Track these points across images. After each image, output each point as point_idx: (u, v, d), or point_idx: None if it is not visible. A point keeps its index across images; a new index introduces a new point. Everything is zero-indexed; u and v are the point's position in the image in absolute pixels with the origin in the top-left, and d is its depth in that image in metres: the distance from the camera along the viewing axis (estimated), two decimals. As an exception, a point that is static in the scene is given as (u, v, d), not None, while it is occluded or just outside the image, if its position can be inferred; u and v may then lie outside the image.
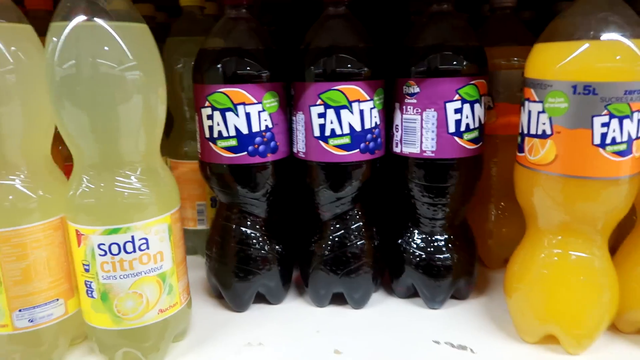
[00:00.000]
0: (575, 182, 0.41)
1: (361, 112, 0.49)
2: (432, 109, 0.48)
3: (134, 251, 0.41)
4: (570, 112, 0.40)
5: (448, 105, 0.48)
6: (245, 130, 0.48)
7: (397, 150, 0.52)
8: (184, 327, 0.49)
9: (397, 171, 0.53)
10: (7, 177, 0.42)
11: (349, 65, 0.48)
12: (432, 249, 0.53)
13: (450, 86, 0.47)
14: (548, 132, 0.41)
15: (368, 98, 0.49)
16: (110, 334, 0.43)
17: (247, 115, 0.48)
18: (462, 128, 0.48)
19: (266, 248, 0.53)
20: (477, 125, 0.49)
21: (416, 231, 0.54)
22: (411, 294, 0.56)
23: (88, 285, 0.42)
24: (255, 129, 0.49)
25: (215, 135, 0.49)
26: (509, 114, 0.58)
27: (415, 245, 0.54)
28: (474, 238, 0.56)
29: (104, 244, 0.41)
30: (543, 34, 0.43)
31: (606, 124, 0.39)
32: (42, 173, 0.44)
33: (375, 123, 0.50)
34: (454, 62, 0.47)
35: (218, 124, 0.48)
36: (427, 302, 0.54)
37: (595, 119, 0.39)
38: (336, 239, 0.53)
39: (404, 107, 0.50)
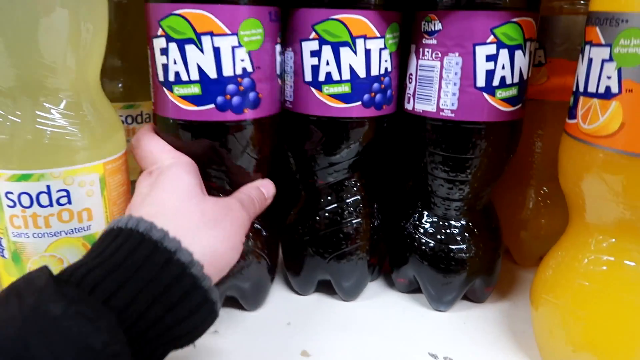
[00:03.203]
0: (647, 164, 0.29)
1: (367, 52, 0.37)
2: (456, 54, 0.36)
3: (51, 205, 0.33)
4: (652, 61, 0.27)
5: (478, 49, 0.36)
6: (212, 74, 0.35)
7: (408, 107, 0.41)
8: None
9: (408, 134, 0.42)
10: None
11: (353, -12, 0.36)
12: (442, 237, 0.42)
13: (484, 23, 0.35)
14: (614, 89, 0.29)
15: (378, 35, 0.37)
16: (27, 302, 0.36)
17: (216, 50, 0.35)
18: (496, 82, 0.36)
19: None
20: (517, 80, 0.37)
21: (426, 212, 0.43)
22: (415, 288, 0.46)
23: (-2, 241, 0.35)
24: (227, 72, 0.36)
25: (172, 78, 0.35)
26: (565, 73, 0.45)
27: (422, 230, 0.43)
28: (500, 228, 0.44)
29: (12, 193, 0.32)
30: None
31: None
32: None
33: (386, 69, 0.39)
34: (492, -10, 0.35)
35: (175, 63, 0.35)
36: (432, 302, 0.44)
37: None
38: (326, 214, 0.43)
39: (421, 49, 0.38)
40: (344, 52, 0.37)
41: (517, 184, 0.51)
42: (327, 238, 0.43)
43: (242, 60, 0.35)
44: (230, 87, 0.35)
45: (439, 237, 0.42)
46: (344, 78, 0.38)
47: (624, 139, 0.29)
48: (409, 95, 0.40)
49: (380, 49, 0.38)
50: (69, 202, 0.33)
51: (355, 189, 0.43)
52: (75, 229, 0.34)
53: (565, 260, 0.36)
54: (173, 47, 0.34)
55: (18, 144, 0.32)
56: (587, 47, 0.31)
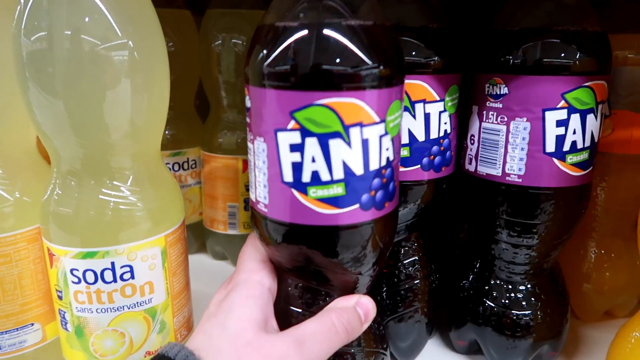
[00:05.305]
0: None
1: (426, 116, 0.36)
2: (524, 119, 0.35)
3: (114, 281, 0.33)
4: None
5: (548, 114, 0.34)
6: (359, 170, 0.28)
7: (470, 168, 0.39)
8: (183, 368, 0.40)
9: (468, 196, 0.40)
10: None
11: (413, 53, 0.36)
12: (506, 301, 0.40)
13: (554, 88, 0.34)
14: None
15: (438, 98, 0.36)
16: (88, 375, 0.36)
17: (364, 143, 0.28)
18: (566, 147, 0.35)
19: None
20: (588, 144, 0.35)
21: (487, 274, 0.41)
22: (474, 350, 0.44)
23: (62, 315, 0.34)
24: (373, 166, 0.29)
25: (307, 179, 0.28)
26: (631, 125, 0.43)
27: (484, 293, 0.41)
28: (567, 290, 0.42)
29: (77, 270, 0.32)
30: None
31: None
32: (20, 170, 0.36)
33: (445, 131, 0.38)
34: (562, 54, 0.33)
35: (313, 161, 0.27)
36: (495, 367, 0.42)
37: None
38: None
39: (485, 112, 0.37)
40: (403, 117, 0.36)
41: (579, 237, 0.49)
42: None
43: (387, 149, 0.29)
44: (375, 181, 0.29)
45: (502, 301, 0.40)
46: (402, 142, 0.37)
47: None
48: (470, 156, 0.39)
49: (440, 112, 0.37)
50: (132, 277, 0.33)
51: (412, 250, 0.42)
52: (137, 302, 0.34)
53: (646, 336, 0.34)
54: (312, 142, 0.27)
55: (83, 221, 0.32)
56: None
